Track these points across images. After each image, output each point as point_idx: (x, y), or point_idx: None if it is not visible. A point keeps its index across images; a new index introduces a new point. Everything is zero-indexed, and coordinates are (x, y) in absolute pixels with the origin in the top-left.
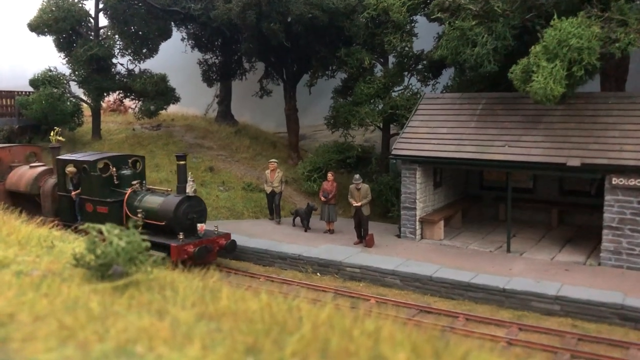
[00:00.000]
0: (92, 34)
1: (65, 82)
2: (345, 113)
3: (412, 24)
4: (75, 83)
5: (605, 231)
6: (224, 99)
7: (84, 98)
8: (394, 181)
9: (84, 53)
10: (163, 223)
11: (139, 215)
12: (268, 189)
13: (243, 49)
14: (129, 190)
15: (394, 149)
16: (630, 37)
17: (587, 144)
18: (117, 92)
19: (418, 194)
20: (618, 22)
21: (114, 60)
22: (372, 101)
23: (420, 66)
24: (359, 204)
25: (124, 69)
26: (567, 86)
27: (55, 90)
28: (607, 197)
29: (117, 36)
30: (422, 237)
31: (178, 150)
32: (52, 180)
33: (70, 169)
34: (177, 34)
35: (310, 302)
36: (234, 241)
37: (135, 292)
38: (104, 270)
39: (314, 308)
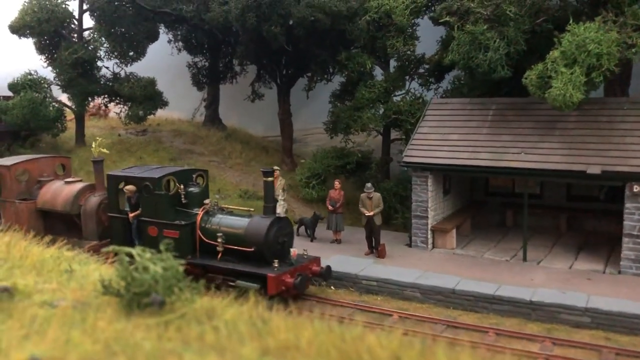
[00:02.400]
0: (76, 36)
1: (46, 86)
2: (346, 118)
3: (414, 27)
4: (58, 87)
5: (625, 239)
6: (212, 103)
7: (66, 102)
8: (397, 187)
9: (69, 56)
10: (252, 249)
11: (219, 240)
12: None
13: (239, 52)
14: (200, 211)
15: (405, 156)
16: None
17: (606, 151)
18: (102, 96)
19: (430, 202)
20: (632, 27)
21: (99, 64)
22: (372, 106)
23: (421, 70)
24: (371, 213)
25: (110, 73)
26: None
27: (36, 95)
28: (628, 205)
29: (103, 38)
30: (433, 247)
31: (169, 156)
32: (95, 199)
33: (129, 187)
34: (162, 36)
35: (366, 327)
36: (329, 267)
37: (182, 325)
38: (139, 299)
39: (380, 337)
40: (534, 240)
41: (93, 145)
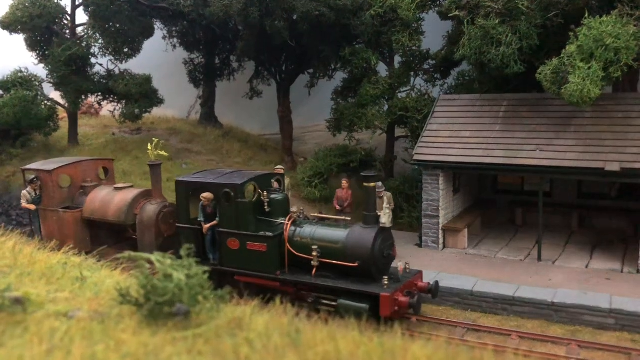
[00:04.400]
0: (69, 32)
1: (37, 84)
2: (350, 115)
3: (420, 22)
4: (51, 85)
5: None
6: (208, 100)
7: (58, 100)
8: (403, 186)
9: (62, 53)
10: (355, 264)
11: (314, 254)
12: None
13: (239, 48)
14: (287, 221)
15: (416, 154)
16: None
17: (624, 147)
18: (96, 94)
19: (441, 202)
20: None
21: (93, 61)
22: (377, 102)
23: (426, 66)
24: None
25: (104, 70)
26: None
27: (27, 93)
28: None
29: (97, 34)
30: (444, 246)
31: (165, 157)
32: (152, 207)
33: (206, 194)
34: (157, 33)
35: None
36: (437, 282)
37: (211, 336)
38: (161, 309)
39: (424, 347)
40: (546, 239)
41: (149, 147)
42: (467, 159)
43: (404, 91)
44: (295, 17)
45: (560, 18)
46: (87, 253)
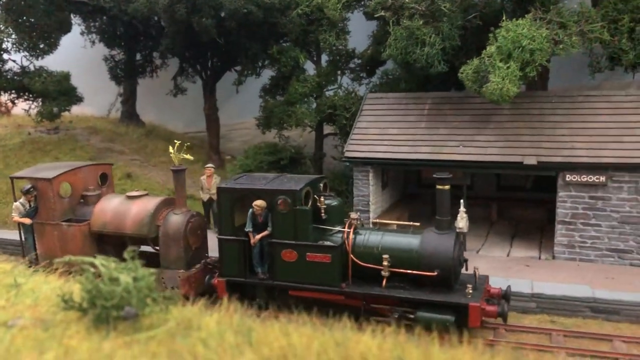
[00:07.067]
0: None
1: None
2: (280, 113)
3: (345, 22)
4: None
5: (558, 226)
6: (129, 98)
7: None
8: (333, 182)
9: None
10: (434, 273)
11: (385, 263)
12: (205, 197)
13: (163, 44)
14: (346, 229)
15: (346, 151)
16: (573, 40)
17: (539, 142)
18: (9, 92)
19: (371, 196)
20: (558, 25)
21: (6, 56)
22: (306, 100)
23: (352, 65)
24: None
25: (18, 66)
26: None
27: None
28: (561, 193)
29: (10, 29)
30: None
31: (87, 155)
32: (177, 217)
33: (259, 202)
34: (74, 28)
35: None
36: (509, 287)
37: (165, 339)
38: (108, 313)
39: (377, 338)
40: (469, 230)
41: (171, 151)
42: (395, 155)
43: (331, 89)
44: (222, 14)
45: (478, 20)
46: None
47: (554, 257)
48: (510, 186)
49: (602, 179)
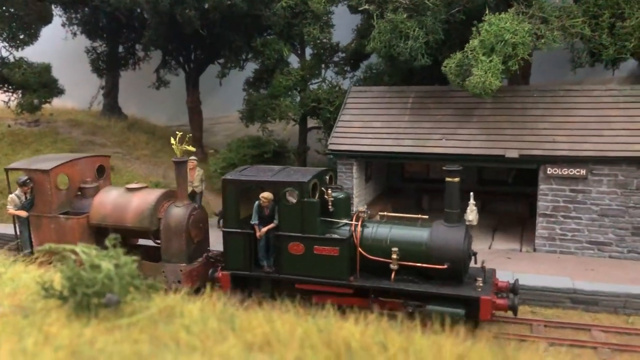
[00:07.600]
0: None
1: None
2: (263, 106)
3: (329, 15)
4: None
5: (539, 219)
6: (111, 91)
7: None
8: None
9: None
10: (444, 266)
11: (394, 256)
12: (188, 190)
13: (146, 36)
14: (354, 221)
15: (330, 144)
16: (554, 35)
17: (521, 136)
18: None
19: (355, 189)
20: (540, 19)
21: None
22: (290, 94)
23: (336, 58)
24: None
25: None
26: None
27: None
28: (542, 187)
29: None
30: None
31: (69, 148)
32: (179, 210)
33: (265, 194)
34: (55, 19)
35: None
36: (517, 280)
37: (147, 325)
38: (89, 300)
39: (358, 324)
40: None
41: (173, 142)
42: (379, 148)
43: (315, 83)
44: (206, 6)
45: (462, 14)
46: None
47: (535, 250)
48: (493, 180)
49: (583, 172)
